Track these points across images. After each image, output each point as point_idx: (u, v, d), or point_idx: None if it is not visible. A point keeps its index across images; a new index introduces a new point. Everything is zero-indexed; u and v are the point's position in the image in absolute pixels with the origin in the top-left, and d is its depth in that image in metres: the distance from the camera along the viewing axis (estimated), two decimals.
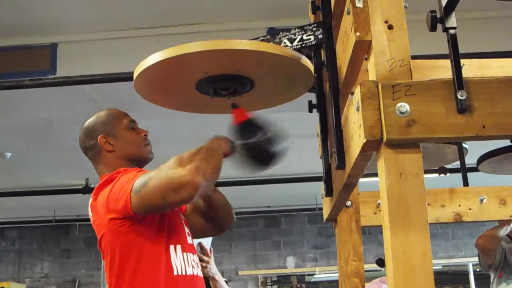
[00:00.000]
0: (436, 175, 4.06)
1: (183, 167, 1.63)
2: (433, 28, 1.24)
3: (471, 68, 1.81)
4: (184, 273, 1.84)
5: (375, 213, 2.25)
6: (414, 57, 1.29)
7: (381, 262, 4.04)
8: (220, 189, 2.12)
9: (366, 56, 1.34)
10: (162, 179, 1.66)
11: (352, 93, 1.29)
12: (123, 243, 1.81)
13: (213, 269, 2.63)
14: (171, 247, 1.85)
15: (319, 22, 1.76)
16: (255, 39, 1.76)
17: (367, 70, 1.31)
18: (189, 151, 1.69)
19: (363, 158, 1.29)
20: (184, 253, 1.88)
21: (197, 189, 1.62)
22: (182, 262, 1.85)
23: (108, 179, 1.85)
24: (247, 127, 1.72)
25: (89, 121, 2.05)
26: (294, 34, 1.76)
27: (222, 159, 1.73)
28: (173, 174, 1.64)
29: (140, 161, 1.99)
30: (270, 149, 1.71)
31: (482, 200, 2.33)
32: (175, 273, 1.82)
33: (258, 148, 1.70)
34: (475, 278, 8.41)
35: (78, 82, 3.95)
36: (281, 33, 1.78)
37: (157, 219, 1.83)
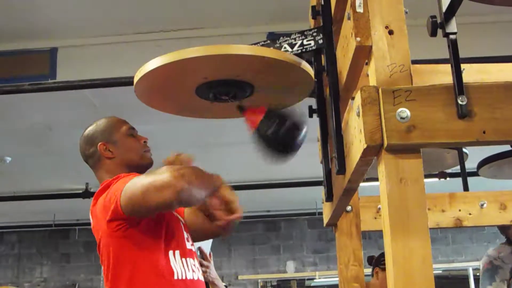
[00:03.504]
0: (436, 179, 4.06)
1: (170, 172, 1.67)
2: (433, 33, 1.24)
3: (471, 73, 1.81)
4: (184, 278, 1.85)
5: (375, 218, 2.25)
6: (414, 62, 1.29)
7: (370, 260, 4.03)
8: None
9: (366, 61, 1.34)
10: (147, 179, 1.71)
11: (353, 98, 1.30)
12: (119, 247, 1.82)
13: (213, 274, 2.63)
14: (170, 252, 1.85)
15: (320, 27, 1.76)
16: (255, 44, 1.76)
17: (368, 75, 1.31)
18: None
19: (363, 163, 1.29)
20: (183, 259, 1.88)
21: (177, 192, 1.65)
22: (182, 267, 1.86)
23: (107, 185, 1.87)
24: (266, 121, 1.69)
25: (89, 129, 2.07)
26: (295, 39, 1.76)
27: (210, 185, 1.78)
28: (159, 176, 1.69)
29: (139, 168, 2.01)
30: (293, 136, 1.68)
31: (482, 205, 2.33)
32: (175, 277, 1.83)
33: (282, 138, 1.66)
34: (475, 283, 8.41)
35: (77, 87, 3.95)
36: (281, 38, 1.78)
37: (153, 224, 1.84)
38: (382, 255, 3.52)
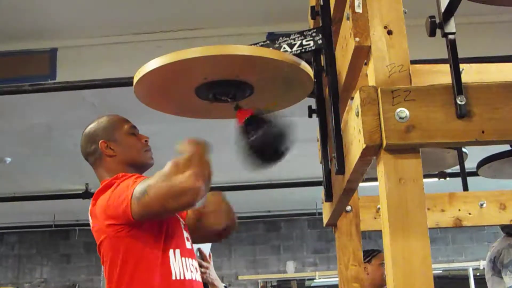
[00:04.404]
0: (436, 179, 4.07)
1: (181, 173, 1.64)
2: (432, 33, 1.25)
3: (470, 73, 1.82)
4: (182, 278, 1.85)
5: (375, 218, 2.25)
6: (413, 62, 1.29)
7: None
8: None
9: (365, 61, 1.34)
10: (162, 187, 1.66)
11: (352, 98, 1.30)
12: (121, 248, 1.82)
13: (213, 275, 2.62)
14: (170, 251, 1.85)
15: (319, 27, 1.76)
16: (254, 44, 1.76)
17: (367, 75, 1.31)
18: (181, 157, 1.70)
19: (362, 163, 1.29)
20: (183, 258, 1.88)
21: (197, 194, 1.64)
22: (181, 266, 1.86)
23: (107, 185, 1.86)
24: (251, 124, 1.68)
25: (90, 126, 2.07)
26: (294, 39, 1.76)
27: (210, 163, 1.74)
28: (173, 181, 1.64)
29: (140, 167, 2.01)
30: (276, 143, 1.66)
31: (482, 204, 2.33)
32: (173, 277, 1.83)
33: (263, 144, 1.65)
34: (475, 283, 8.41)
35: (77, 87, 3.95)
36: (280, 38, 1.78)
37: (156, 224, 1.84)
38: (365, 252, 3.58)
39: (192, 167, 1.65)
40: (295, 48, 1.75)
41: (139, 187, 1.71)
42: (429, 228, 1.16)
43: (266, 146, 1.66)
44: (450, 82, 1.19)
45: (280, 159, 1.70)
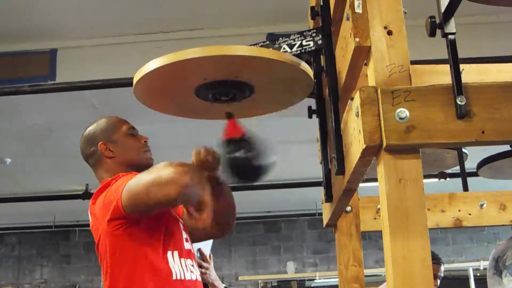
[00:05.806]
0: (436, 180, 4.06)
1: (173, 167, 1.68)
2: (432, 34, 1.25)
3: (470, 73, 1.82)
4: (182, 278, 1.85)
5: (375, 218, 2.25)
6: (413, 62, 1.29)
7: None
8: None
9: (365, 61, 1.34)
10: (150, 175, 1.72)
11: (352, 99, 1.30)
12: (118, 246, 1.82)
13: (213, 275, 2.62)
14: (169, 253, 1.86)
15: (319, 27, 1.76)
16: (254, 44, 1.76)
17: (367, 76, 1.31)
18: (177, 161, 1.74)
19: (362, 164, 1.29)
20: (182, 259, 1.89)
21: (182, 187, 1.65)
22: (180, 267, 1.86)
23: (106, 184, 1.88)
24: (236, 142, 1.71)
25: (89, 128, 2.08)
26: (294, 39, 1.77)
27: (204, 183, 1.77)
28: (162, 172, 1.69)
29: (140, 167, 2.00)
30: (255, 165, 1.69)
31: (482, 205, 2.33)
32: (174, 277, 1.83)
33: (244, 164, 1.68)
34: (475, 283, 8.40)
35: (77, 88, 3.95)
36: (280, 38, 1.79)
37: (153, 224, 1.85)
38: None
39: (184, 166, 1.69)
40: (295, 49, 1.75)
41: (132, 180, 1.75)
42: (429, 229, 1.16)
43: (243, 168, 1.70)
44: (450, 82, 1.19)
45: (257, 180, 1.74)
